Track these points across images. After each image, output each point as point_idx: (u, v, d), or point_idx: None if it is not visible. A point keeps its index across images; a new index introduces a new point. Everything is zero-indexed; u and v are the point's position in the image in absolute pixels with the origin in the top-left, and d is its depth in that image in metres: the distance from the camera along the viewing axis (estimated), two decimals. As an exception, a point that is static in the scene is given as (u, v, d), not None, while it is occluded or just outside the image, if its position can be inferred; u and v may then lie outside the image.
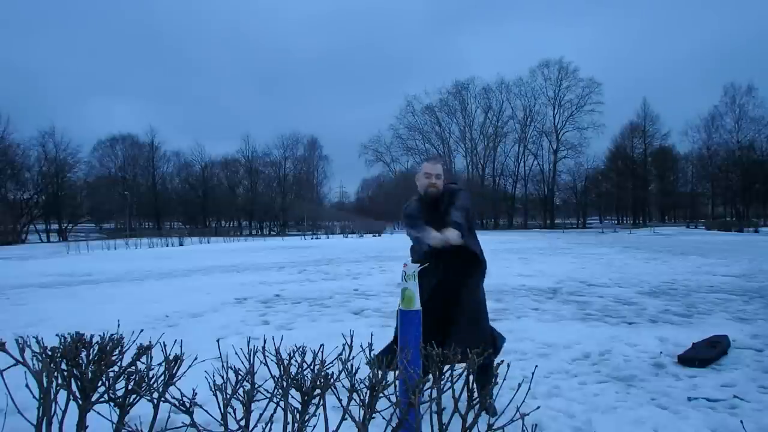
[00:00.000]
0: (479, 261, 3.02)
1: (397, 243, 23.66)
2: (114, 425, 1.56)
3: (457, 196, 3.06)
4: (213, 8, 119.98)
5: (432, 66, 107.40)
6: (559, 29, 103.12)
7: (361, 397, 1.43)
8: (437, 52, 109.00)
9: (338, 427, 1.45)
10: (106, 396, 1.59)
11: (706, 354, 3.83)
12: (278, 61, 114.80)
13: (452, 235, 2.75)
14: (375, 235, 40.67)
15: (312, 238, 38.65)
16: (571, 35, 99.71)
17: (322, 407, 1.46)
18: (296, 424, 1.43)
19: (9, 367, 1.50)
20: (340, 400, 1.45)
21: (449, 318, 2.96)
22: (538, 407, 1.69)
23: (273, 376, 1.53)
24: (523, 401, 1.45)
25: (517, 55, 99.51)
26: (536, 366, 2.93)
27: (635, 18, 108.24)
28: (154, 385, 1.58)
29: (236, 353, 1.69)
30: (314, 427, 1.47)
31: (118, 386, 1.60)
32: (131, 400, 1.59)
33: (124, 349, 1.68)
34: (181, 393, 1.50)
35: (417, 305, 2.48)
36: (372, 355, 1.54)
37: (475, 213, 3.56)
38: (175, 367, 1.60)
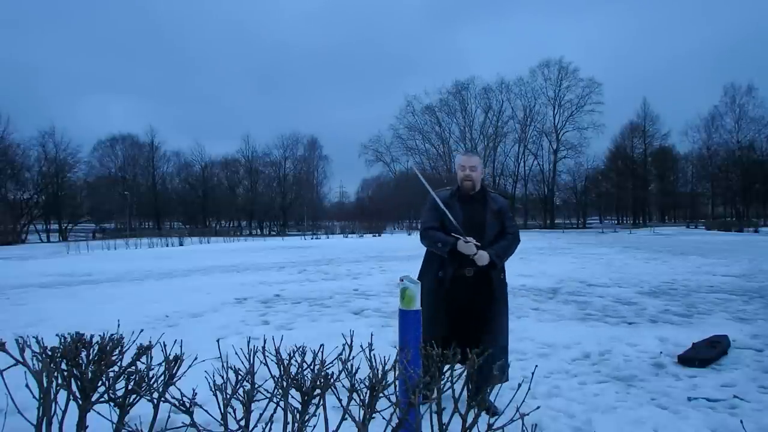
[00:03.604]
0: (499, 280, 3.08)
1: (398, 243, 23.66)
2: (114, 425, 1.56)
3: (504, 215, 3.11)
4: (212, 4, 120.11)
5: (432, 62, 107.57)
6: (559, 27, 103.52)
7: (361, 397, 1.43)
8: (437, 48, 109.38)
9: (338, 427, 1.45)
10: (106, 396, 1.59)
11: (706, 354, 3.83)
12: (277, 58, 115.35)
13: (482, 259, 2.89)
14: (375, 235, 40.65)
15: (312, 238, 38.62)
16: (570, 34, 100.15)
17: (322, 407, 1.46)
18: (296, 424, 1.43)
19: (9, 367, 1.50)
20: (340, 400, 1.45)
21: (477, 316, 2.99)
22: (538, 407, 1.69)
23: (273, 376, 1.53)
24: (523, 401, 1.45)
25: (517, 52, 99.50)
26: (536, 366, 2.93)
27: (635, 17, 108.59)
28: (154, 385, 1.58)
29: (236, 353, 1.69)
30: (314, 427, 1.47)
31: (118, 386, 1.60)
32: (131, 400, 1.59)
33: (124, 349, 1.68)
34: (181, 393, 1.50)
35: (417, 305, 2.48)
36: (372, 354, 1.54)
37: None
38: (175, 367, 1.60)
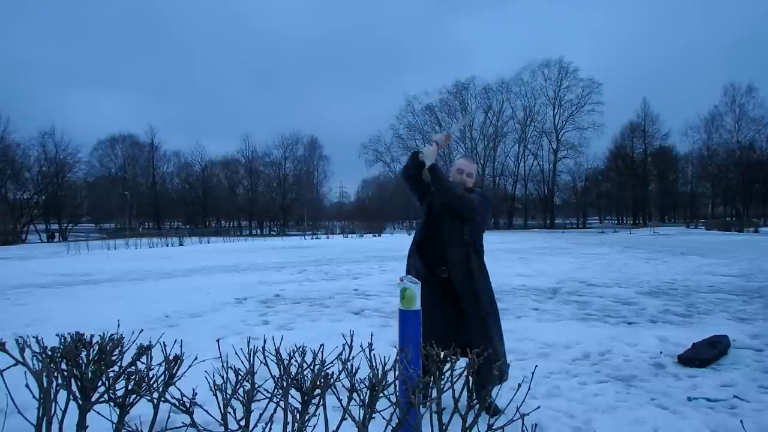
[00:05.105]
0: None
1: (397, 243, 23.64)
2: (114, 425, 1.56)
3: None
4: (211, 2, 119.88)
5: (432, 54, 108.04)
6: (560, 21, 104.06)
7: (361, 397, 1.43)
8: (437, 38, 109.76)
9: (338, 427, 1.45)
10: (106, 396, 1.59)
11: (706, 354, 3.83)
12: (273, 49, 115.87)
13: (428, 156, 2.86)
14: (375, 235, 40.65)
15: (312, 238, 38.62)
16: (571, 30, 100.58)
17: (322, 407, 1.46)
18: (296, 424, 1.43)
19: (9, 367, 1.50)
20: (340, 400, 1.45)
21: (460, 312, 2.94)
22: (538, 407, 1.69)
23: (273, 376, 1.53)
24: (523, 401, 1.45)
25: (517, 45, 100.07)
26: (536, 366, 2.92)
27: (635, 16, 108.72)
28: (154, 385, 1.58)
29: (236, 353, 1.69)
30: (314, 427, 1.47)
31: (118, 386, 1.60)
32: (131, 400, 1.59)
33: (124, 349, 1.67)
34: (181, 393, 1.50)
35: (417, 305, 2.48)
36: (372, 354, 1.54)
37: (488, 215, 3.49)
38: (175, 367, 1.60)
